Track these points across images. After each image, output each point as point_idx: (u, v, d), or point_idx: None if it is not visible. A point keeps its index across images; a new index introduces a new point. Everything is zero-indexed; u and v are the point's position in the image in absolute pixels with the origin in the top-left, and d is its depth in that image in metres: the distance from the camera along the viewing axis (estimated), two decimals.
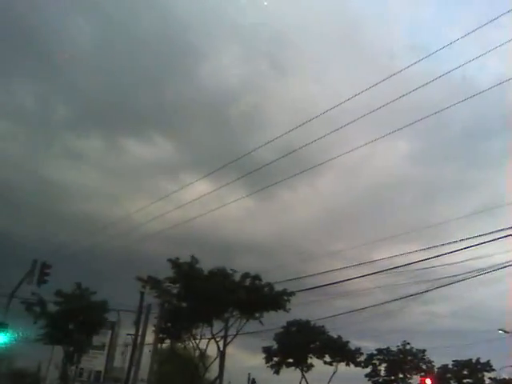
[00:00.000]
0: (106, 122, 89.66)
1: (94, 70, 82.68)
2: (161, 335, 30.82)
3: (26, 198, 76.39)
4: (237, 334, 30.92)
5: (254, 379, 38.25)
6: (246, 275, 30.46)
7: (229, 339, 30.58)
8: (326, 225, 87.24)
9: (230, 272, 30.10)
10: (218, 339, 30.39)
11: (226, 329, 30.93)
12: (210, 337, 30.73)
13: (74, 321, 30.09)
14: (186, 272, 29.59)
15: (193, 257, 29.53)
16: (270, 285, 29.96)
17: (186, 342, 34.34)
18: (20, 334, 31.77)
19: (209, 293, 28.52)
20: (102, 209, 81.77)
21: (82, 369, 33.21)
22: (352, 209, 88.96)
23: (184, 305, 30.58)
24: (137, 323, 29.31)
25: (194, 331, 31.92)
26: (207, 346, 31.07)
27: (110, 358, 47.45)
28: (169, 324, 31.24)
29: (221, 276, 29.89)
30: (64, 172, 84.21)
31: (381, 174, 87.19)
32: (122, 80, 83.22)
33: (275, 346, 42.04)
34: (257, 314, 30.42)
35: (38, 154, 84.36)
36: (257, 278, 30.43)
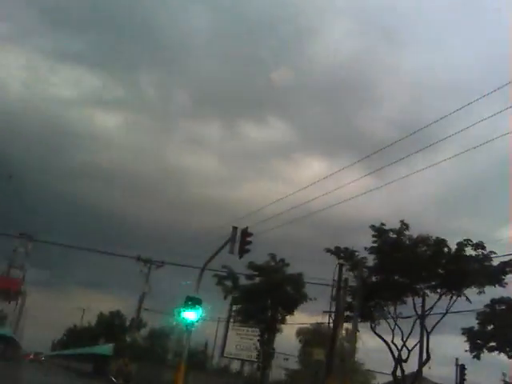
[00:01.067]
0: (224, 108, 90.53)
1: (210, 56, 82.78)
2: (348, 313, 27.16)
3: (151, 184, 78.92)
4: (446, 313, 25.96)
5: (463, 365, 32.40)
6: (464, 243, 24.97)
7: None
8: (446, 202, 75.50)
9: (436, 240, 25.11)
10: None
11: (424, 306, 26.16)
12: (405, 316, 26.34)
13: (271, 296, 27.75)
14: (392, 240, 25.24)
15: (402, 222, 25.02)
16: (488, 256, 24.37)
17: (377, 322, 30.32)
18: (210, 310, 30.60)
19: (418, 264, 24.13)
20: (222, 192, 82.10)
21: (273, 349, 30.84)
22: (475, 185, 75.52)
23: (375, 279, 26.63)
24: (337, 298, 26.03)
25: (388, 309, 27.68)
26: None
27: None
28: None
29: (427, 245, 25.20)
30: (185, 158, 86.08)
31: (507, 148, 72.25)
32: (236, 65, 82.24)
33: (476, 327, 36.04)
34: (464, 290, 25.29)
35: (161, 142, 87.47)
36: (479, 246, 24.75)
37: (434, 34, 78.86)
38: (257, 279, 28.75)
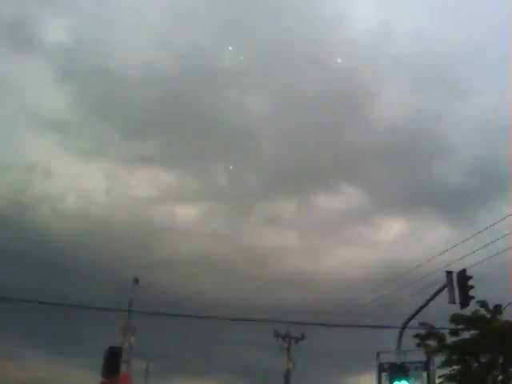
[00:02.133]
0: (295, 184, 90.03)
1: (275, 138, 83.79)
2: None
3: (233, 265, 78.74)
4: None
5: None
6: None
7: None
8: None
9: None
10: None
11: None
12: None
13: (503, 351, 22.85)
14: None
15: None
16: None
17: None
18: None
19: None
20: (303, 265, 78.87)
21: None
22: None
23: None
24: None
25: None
26: None
27: None
28: None
29: None
30: (263, 238, 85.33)
31: None
32: (300, 141, 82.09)
33: None
34: None
35: (237, 225, 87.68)
36: None
37: (492, 79, 74.66)
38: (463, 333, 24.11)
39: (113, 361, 23.73)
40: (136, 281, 36.32)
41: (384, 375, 28.05)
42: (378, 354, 29.26)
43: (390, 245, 77.00)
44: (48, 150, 77.62)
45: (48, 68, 76.00)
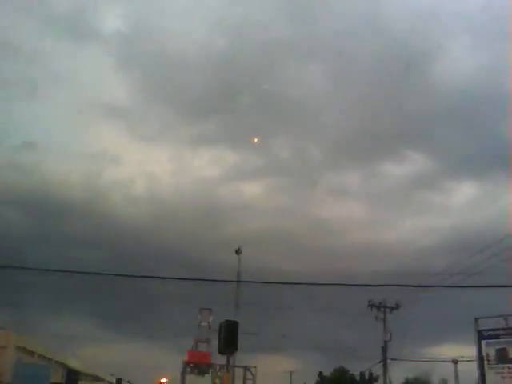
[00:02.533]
0: (359, 153, 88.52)
1: (334, 107, 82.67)
2: None
3: (299, 239, 78.83)
4: None
5: None
6: None
7: None
8: None
9: None
10: None
11: None
12: None
13: None
14: None
15: None
16: None
17: None
18: None
19: None
20: (371, 237, 78.33)
21: None
22: None
23: None
24: None
25: None
26: None
27: None
28: None
29: None
30: (330, 209, 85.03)
31: None
32: (363, 109, 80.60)
33: None
34: None
35: (304, 199, 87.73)
36: None
37: None
38: None
39: (231, 335, 21.49)
40: (238, 251, 34.78)
41: (484, 342, 27.36)
42: (476, 319, 28.08)
43: (461, 210, 75.72)
44: (115, 137, 78.93)
45: (108, 57, 76.96)
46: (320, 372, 56.55)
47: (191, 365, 42.22)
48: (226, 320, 19.10)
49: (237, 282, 31.65)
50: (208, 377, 42.68)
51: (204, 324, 43.92)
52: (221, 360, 41.17)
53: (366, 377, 45.86)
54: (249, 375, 27.71)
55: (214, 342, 43.76)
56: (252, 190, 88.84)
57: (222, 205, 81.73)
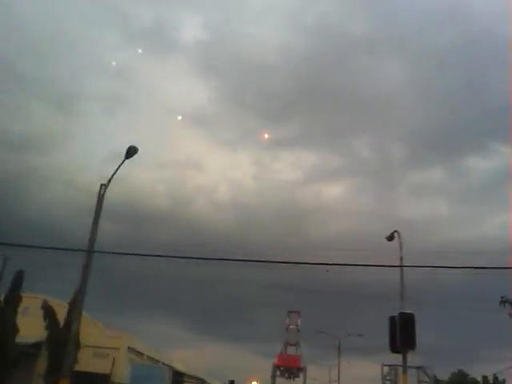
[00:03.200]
0: (441, 149, 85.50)
1: (414, 104, 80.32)
2: None
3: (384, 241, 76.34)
4: None
5: None
6: None
7: None
8: None
9: None
10: None
11: None
12: None
13: None
14: None
15: None
16: None
17: None
18: None
19: None
20: (458, 235, 74.71)
21: None
22: None
23: None
24: None
25: None
26: None
27: None
28: None
29: None
30: (413, 208, 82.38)
31: None
32: (443, 102, 77.90)
33: None
34: None
35: (386, 198, 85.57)
36: None
37: None
38: None
39: (408, 330, 19.79)
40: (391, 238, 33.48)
41: None
42: None
43: None
44: (197, 144, 79.28)
45: (188, 65, 77.66)
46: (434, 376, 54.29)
47: (281, 368, 41.67)
48: (401, 313, 17.38)
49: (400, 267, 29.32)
50: (298, 380, 41.84)
51: (292, 327, 43.32)
52: (307, 362, 40.50)
53: (491, 381, 43.32)
54: (424, 377, 25.05)
55: (303, 345, 43.12)
56: (333, 191, 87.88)
57: (303, 207, 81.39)
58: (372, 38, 70.91)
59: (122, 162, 16.00)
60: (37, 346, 24.93)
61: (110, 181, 16.07)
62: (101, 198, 16.02)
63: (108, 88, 72.62)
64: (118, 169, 15.95)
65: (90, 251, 15.61)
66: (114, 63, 70.51)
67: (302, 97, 78.05)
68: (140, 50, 69.24)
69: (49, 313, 23.76)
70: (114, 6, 71.43)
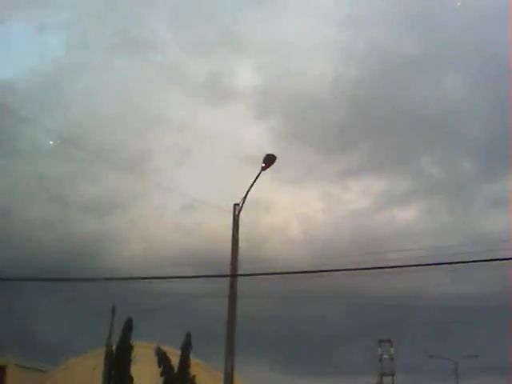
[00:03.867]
0: None
1: (479, 112, 79.88)
2: None
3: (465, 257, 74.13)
4: None
5: None
6: None
7: None
8: None
9: None
10: None
11: None
12: None
13: None
14: None
15: None
16: None
17: None
18: None
19: None
20: None
21: None
22: None
23: None
24: None
25: None
26: None
27: None
28: None
29: None
30: (494, 222, 79.15)
31: None
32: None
33: None
34: None
35: (463, 215, 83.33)
36: None
37: None
38: None
39: None
40: None
41: None
42: None
43: None
44: (264, 186, 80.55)
45: (246, 110, 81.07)
46: None
47: None
48: None
49: None
50: None
51: (386, 357, 41.09)
52: None
53: None
54: None
55: (399, 375, 40.65)
56: (406, 214, 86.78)
57: (377, 234, 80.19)
58: (429, 54, 71.60)
59: (259, 174, 15.41)
60: None
61: (244, 199, 15.45)
62: (236, 218, 15.35)
63: (174, 142, 75.28)
64: (252, 184, 15.38)
65: (233, 275, 14.75)
66: (175, 118, 73.72)
67: (361, 124, 78.68)
68: (201, 102, 71.68)
69: (163, 359, 22.82)
70: (172, 66, 75.21)
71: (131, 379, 22.34)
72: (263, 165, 15.45)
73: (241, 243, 15.97)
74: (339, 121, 76.99)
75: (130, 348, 22.67)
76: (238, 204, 15.49)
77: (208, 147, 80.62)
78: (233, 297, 14.74)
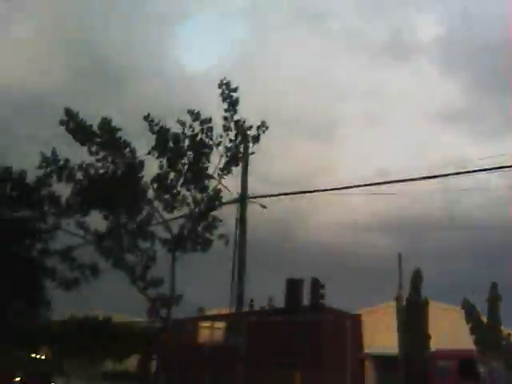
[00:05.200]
0: None
1: None
2: None
3: None
4: None
5: None
6: None
7: None
8: None
9: None
10: None
11: None
12: None
13: None
14: None
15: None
16: None
17: None
18: None
19: None
20: None
21: None
22: None
23: None
24: None
25: None
26: None
27: None
28: None
29: None
30: None
31: None
32: None
33: None
34: None
35: None
36: None
37: None
38: None
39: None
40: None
41: None
42: None
43: None
44: (457, 141, 78.50)
45: (431, 65, 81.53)
46: None
47: None
48: None
49: None
50: None
51: None
52: None
53: None
54: None
55: None
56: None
57: None
58: None
59: None
60: None
61: None
62: None
63: (361, 109, 76.45)
64: None
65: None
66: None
67: None
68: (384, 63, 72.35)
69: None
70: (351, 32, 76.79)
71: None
72: None
73: None
74: None
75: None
76: None
77: (395, 108, 78.12)
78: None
